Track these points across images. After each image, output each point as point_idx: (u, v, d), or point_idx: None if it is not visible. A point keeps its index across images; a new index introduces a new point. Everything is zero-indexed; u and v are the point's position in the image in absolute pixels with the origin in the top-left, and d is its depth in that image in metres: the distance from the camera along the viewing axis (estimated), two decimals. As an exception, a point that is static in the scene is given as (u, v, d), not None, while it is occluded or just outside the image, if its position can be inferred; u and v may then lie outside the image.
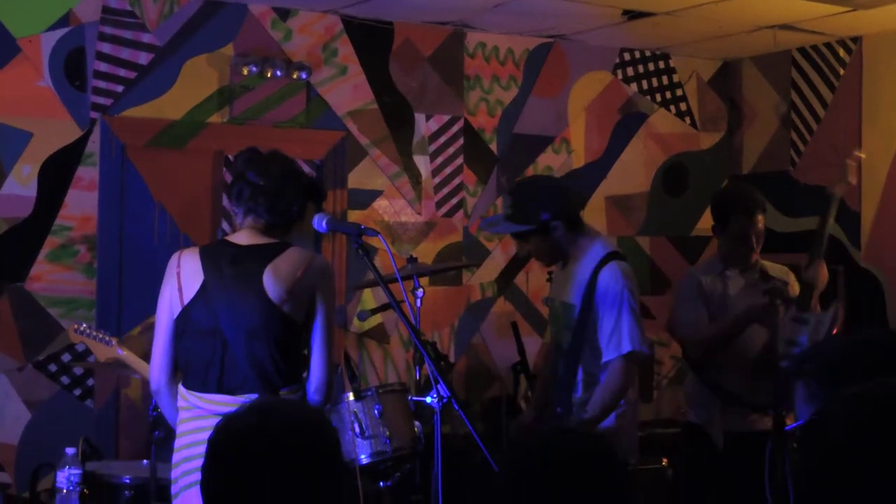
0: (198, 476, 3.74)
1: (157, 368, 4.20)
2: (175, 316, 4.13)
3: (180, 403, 4.16)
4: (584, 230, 4.83)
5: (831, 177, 5.49)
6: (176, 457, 4.14)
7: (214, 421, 3.37)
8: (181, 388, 4.16)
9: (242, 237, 4.19)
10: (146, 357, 4.45)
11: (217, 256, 4.15)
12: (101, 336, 5.03)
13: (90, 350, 5.13)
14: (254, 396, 3.93)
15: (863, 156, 5.89)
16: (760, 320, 5.32)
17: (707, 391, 5.38)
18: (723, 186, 5.79)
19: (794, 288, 5.42)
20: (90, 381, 6.19)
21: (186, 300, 4.11)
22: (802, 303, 5.24)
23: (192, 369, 4.14)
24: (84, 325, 5.11)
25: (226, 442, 2.52)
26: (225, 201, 6.55)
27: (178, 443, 4.14)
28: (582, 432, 2.64)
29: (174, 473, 4.15)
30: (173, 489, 4.17)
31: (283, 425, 2.49)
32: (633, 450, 4.89)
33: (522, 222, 4.76)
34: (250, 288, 4.05)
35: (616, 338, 4.62)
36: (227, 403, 3.99)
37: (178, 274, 4.14)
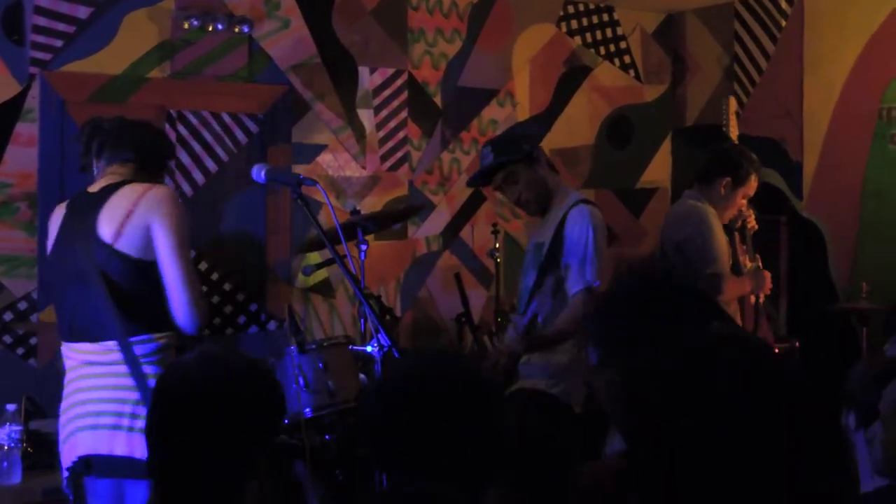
0: (78, 424, 3.90)
1: None
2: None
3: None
4: (559, 178, 5.12)
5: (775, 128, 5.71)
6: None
7: (85, 370, 3.93)
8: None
9: (97, 185, 4.20)
10: None
11: (72, 206, 4.22)
12: None
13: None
14: (109, 343, 4.01)
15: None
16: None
17: None
18: (734, 145, 5.90)
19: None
20: (33, 340, 6.13)
21: (49, 252, 4.24)
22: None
23: (57, 318, 4.28)
24: None
25: (167, 390, 2.55)
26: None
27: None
28: (454, 355, 2.71)
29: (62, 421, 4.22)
30: (61, 435, 4.23)
31: (222, 374, 2.51)
32: (578, 398, 4.93)
33: (508, 154, 4.95)
34: (86, 232, 4.05)
35: (582, 272, 4.80)
36: (87, 351, 4.10)
37: (50, 227, 4.28)
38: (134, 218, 4.02)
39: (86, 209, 4.12)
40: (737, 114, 6.13)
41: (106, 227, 4.03)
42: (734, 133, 5.97)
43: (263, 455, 2.49)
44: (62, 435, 4.20)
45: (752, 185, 5.72)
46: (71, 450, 4.12)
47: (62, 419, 4.20)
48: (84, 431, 4.06)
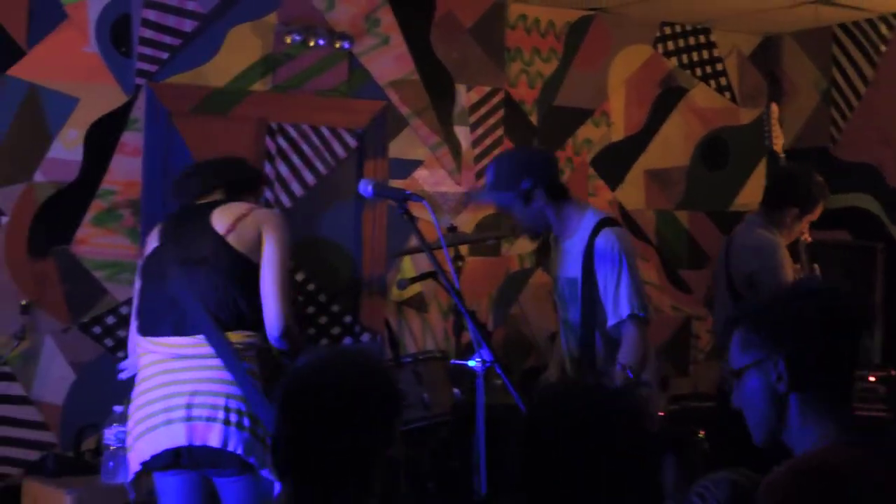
0: (167, 417, 4.11)
1: None
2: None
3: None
4: (570, 200, 4.84)
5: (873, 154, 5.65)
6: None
7: (175, 363, 4.14)
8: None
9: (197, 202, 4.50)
10: None
11: (177, 214, 4.53)
12: None
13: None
14: (200, 337, 4.19)
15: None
16: None
17: None
18: (803, 169, 5.84)
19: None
20: (133, 344, 6.26)
21: (145, 255, 4.48)
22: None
23: (141, 314, 4.42)
24: None
25: (296, 394, 2.60)
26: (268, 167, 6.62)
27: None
28: (604, 387, 2.72)
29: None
30: (127, 441, 4.34)
31: (348, 377, 2.56)
32: (654, 417, 4.92)
33: (504, 190, 4.79)
34: (198, 225, 4.30)
35: (622, 304, 4.63)
36: (177, 345, 4.23)
37: (149, 241, 4.53)
38: (248, 219, 4.29)
39: (196, 211, 4.37)
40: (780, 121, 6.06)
41: (219, 221, 4.29)
42: (778, 143, 5.90)
43: (384, 454, 2.54)
44: (136, 431, 4.27)
45: (818, 211, 5.67)
46: (150, 444, 4.20)
47: (138, 415, 4.27)
48: (175, 424, 4.15)
